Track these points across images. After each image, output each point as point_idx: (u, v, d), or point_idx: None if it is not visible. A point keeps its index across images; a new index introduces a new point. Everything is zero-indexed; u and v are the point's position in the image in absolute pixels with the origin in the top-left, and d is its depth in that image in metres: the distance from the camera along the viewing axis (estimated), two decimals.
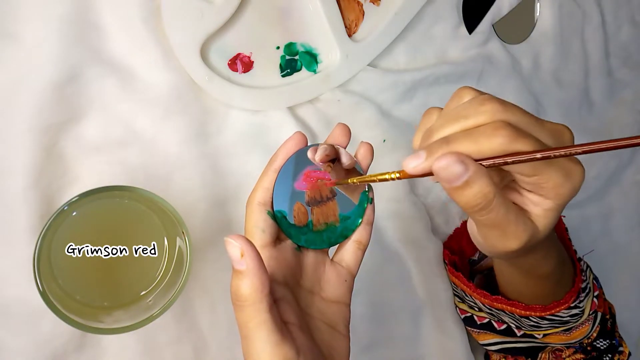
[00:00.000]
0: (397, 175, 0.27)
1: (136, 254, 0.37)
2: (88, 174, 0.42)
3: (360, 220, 0.32)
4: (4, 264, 0.39)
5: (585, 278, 0.42)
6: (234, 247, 0.25)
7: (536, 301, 0.41)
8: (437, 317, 0.52)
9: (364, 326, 0.50)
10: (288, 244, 0.31)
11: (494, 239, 0.29)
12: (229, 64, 0.48)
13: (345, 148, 0.32)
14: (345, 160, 0.31)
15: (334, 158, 0.31)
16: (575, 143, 0.24)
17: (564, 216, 0.48)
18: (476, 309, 0.49)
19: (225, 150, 0.47)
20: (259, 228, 0.30)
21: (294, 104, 0.50)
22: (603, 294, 0.47)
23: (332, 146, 0.31)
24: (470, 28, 0.60)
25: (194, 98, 0.46)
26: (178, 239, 0.36)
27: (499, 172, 0.30)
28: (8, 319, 0.39)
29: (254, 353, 0.25)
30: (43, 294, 0.32)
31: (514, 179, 0.28)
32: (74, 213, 0.34)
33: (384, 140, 0.53)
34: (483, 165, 0.25)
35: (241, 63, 0.48)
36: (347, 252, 0.32)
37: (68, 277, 0.34)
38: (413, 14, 0.54)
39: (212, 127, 0.47)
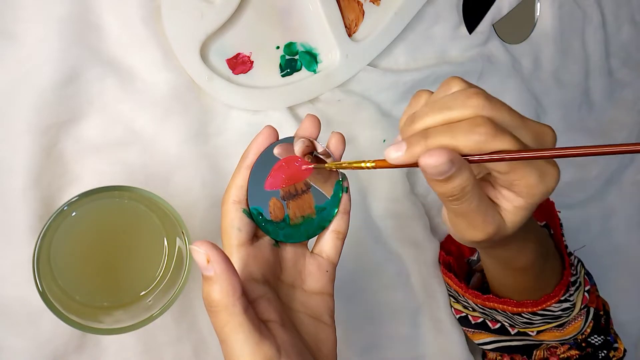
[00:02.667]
0: (372, 164, 0.28)
1: (136, 254, 0.37)
2: (88, 174, 0.42)
3: (336, 210, 0.32)
4: (4, 264, 0.39)
5: (575, 272, 0.43)
6: (199, 254, 0.24)
7: (523, 296, 0.41)
8: (435, 317, 0.52)
9: (362, 327, 0.50)
10: (266, 240, 0.31)
11: (461, 227, 0.30)
12: (228, 64, 0.48)
13: (316, 139, 0.32)
14: (318, 150, 0.32)
15: (311, 150, 0.32)
16: (567, 146, 0.24)
17: (560, 211, 0.48)
18: (470, 308, 0.49)
19: (225, 150, 0.47)
20: (235, 227, 0.30)
21: (293, 103, 0.50)
22: (596, 290, 0.47)
23: (308, 139, 0.31)
24: (471, 28, 0.60)
25: (193, 98, 0.46)
26: (178, 239, 0.36)
27: (476, 164, 0.30)
28: (8, 319, 0.39)
29: (234, 356, 0.25)
30: (43, 294, 0.32)
31: (489, 172, 0.29)
32: (74, 213, 0.34)
33: (384, 140, 0.53)
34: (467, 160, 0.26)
35: (241, 63, 0.48)
36: (326, 242, 0.32)
37: (68, 277, 0.34)
38: (413, 13, 0.54)
39: (212, 127, 0.47)
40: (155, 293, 0.36)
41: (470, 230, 0.30)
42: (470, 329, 0.49)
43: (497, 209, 0.29)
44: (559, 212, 0.48)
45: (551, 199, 0.49)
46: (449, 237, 0.55)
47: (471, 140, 0.25)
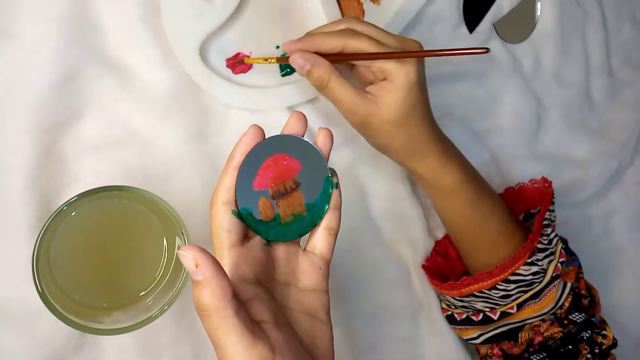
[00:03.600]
0: (274, 60, 0.46)
1: (135, 254, 0.37)
2: (87, 174, 0.42)
3: (327, 207, 0.32)
4: (3, 265, 0.39)
5: (547, 242, 0.45)
6: (188, 259, 0.24)
7: (491, 258, 0.46)
8: (435, 317, 0.52)
9: (362, 327, 0.50)
10: (257, 240, 0.31)
11: (342, 113, 0.42)
12: (228, 64, 0.48)
13: (303, 136, 0.32)
14: None
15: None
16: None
17: (553, 201, 0.49)
18: (453, 306, 0.50)
19: (224, 150, 0.47)
20: (225, 229, 0.30)
21: (293, 103, 0.50)
22: (581, 273, 0.48)
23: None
24: (471, 27, 0.60)
25: (193, 98, 0.46)
26: (177, 239, 0.36)
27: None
28: (7, 319, 0.39)
29: (227, 359, 0.25)
30: (42, 295, 0.32)
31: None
32: (73, 213, 0.34)
33: None
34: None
35: (241, 62, 0.48)
36: (319, 239, 0.32)
37: (67, 277, 0.34)
38: (413, 13, 0.54)
39: (211, 127, 0.47)
40: (155, 293, 0.36)
41: (349, 117, 0.42)
42: (457, 326, 0.50)
43: (371, 96, 0.40)
44: (553, 201, 0.50)
45: (553, 190, 0.50)
46: (438, 241, 0.55)
47: (331, 40, 0.40)
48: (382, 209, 0.53)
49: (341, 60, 0.42)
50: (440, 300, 0.52)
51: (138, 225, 0.37)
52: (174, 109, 0.44)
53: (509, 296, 0.45)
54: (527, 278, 0.44)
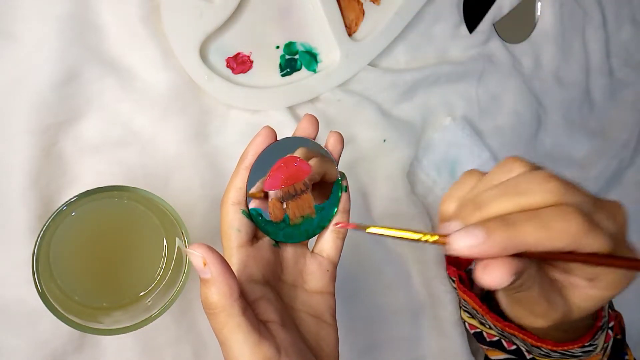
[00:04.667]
0: (434, 239, 0.24)
1: (135, 254, 0.37)
2: (87, 174, 0.42)
3: (335, 210, 0.32)
4: (3, 265, 0.39)
5: (604, 315, 0.39)
6: (196, 257, 0.24)
7: (550, 338, 0.39)
8: (437, 318, 0.52)
9: (363, 327, 0.50)
10: (266, 240, 0.31)
11: (520, 313, 0.27)
12: (228, 64, 0.48)
13: (314, 139, 0.32)
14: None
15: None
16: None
17: None
18: (487, 326, 0.48)
19: (224, 150, 0.47)
20: (234, 228, 0.30)
21: (293, 103, 0.50)
22: (618, 315, 0.44)
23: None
24: (471, 27, 0.60)
25: (193, 98, 0.46)
26: (177, 239, 0.36)
27: None
28: (7, 319, 0.39)
29: (233, 357, 0.25)
30: (42, 295, 0.32)
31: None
32: (73, 213, 0.34)
33: (384, 140, 0.53)
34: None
35: (241, 62, 0.48)
36: (327, 242, 0.32)
37: (67, 277, 0.34)
38: (413, 13, 0.54)
39: (211, 127, 0.47)
40: (155, 293, 0.36)
41: (531, 318, 0.27)
42: (484, 346, 0.49)
43: (564, 291, 0.26)
44: None
45: None
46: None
47: (566, 232, 0.21)
48: (382, 209, 0.53)
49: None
50: (470, 317, 0.49)
51: (138, 225, 0.37)
52: (174, 109, 0.44)
53: (548, 356, 0.40)
54: (577, 354, 0.38)
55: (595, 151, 0.65)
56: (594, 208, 0.23)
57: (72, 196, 0.34)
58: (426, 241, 0.24)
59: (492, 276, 0.21)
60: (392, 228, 0.26)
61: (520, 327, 0.41)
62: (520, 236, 0.21)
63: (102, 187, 0.35)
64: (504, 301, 0.28)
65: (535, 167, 0.25)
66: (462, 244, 0.22)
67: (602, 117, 0.68)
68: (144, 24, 0.43)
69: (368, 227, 0.27)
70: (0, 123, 0.39)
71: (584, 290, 0.25)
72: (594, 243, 0.22)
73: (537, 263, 0.24)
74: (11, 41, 0.40)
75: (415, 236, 0.25)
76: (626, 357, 0.44)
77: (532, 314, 0.26)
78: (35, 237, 0.33)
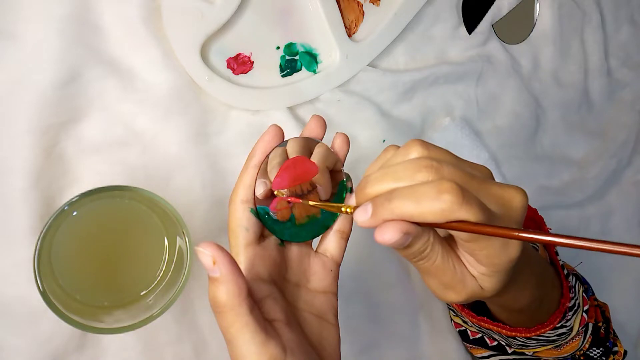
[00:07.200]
0: (350, 210, 0.29)
1: (136, 253, 0.37)
2: (88, 174, 0.42)
3: None
4: (4, 264, 0.39)
5: (573, 295, 0.41)
6: (206, 256, 0.24)
7: (519, 324, 0.40)
8: (435, 317, 0.52)
9: (362, 326, 0.50)
10: (272, 240, 0.31)
11: (435, 287, 0.29)
12: (229, 64, 0.48)
13: (321, 139, 0.32)
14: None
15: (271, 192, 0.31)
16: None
17: (550, 229, 0.47)
18: (469, 324, 0.49)
19: (225, 150, 0.47)
20: (243, 227, 0.30)
21: (293, 104, 0.50)
22: (595, 299, 0.46)
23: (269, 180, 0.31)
24: (470, 28, 0.60)
25: (194, 98, 0.46)
26: (178, 238, 0.36)
27: None
28: (8, 318, 0.39)
29: (239, 356, 0.25)
30: (43, 294, 0.33)
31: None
32: (74, 213, 0.34)
33: (384, 140, 0.53)
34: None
35: (241, 63, 0.48)
36: (331, 242, 0.32)
37: (68, 276, 0.34)
38: (413, 14, 0.54)
39: (212, 127, 0.47)
40: (156, 293, 0.36)
41: (446, 292, 0.29)
42: (469, 344, 0.49)
43: (469, 268, 0.28)
44: (550, 229, 0.47)
45: (542, 214, 0.47)
46: None
47: (436, 208, 0.24)
48: None
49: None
50: (455, 315, 0.51)
51: (139, 225, 0.37)
52: (175, 109, 0.45)
53: (526, 346, 0.42)
54: (552, 338, 0.40)
55: (594, 151, 0.65)
56: (479, 189, 0.25)
57: (73, 196, 0.34)
58: (346, 212, 0.29)
59: (385, 235, 0.25)
60: (326, 202, 0.31)
61: (493, 320, 0.42)
62: (398, 210, 0.25)
63: (103, 187, 0.35)
64: (422, 277, 0.30)
65: (428, 153, 0.27)
66: (359, 217, 0.26)
67: (600, 118, 0.68)
68: (145, 25, 0.43)
69: (309, 200, 0.31)
70: (2, 123, 0.39)
71: (475, 269, 0.28)
72: (465, 216, 0.24)
73: (436, 233, 0.27)
74: (13, 42, 0.40)
75: (342, 208, 0.29)
76: (615, 348, 0.44)
77: (443, 285, 0.28)
78: (37, 236, 0.33)
